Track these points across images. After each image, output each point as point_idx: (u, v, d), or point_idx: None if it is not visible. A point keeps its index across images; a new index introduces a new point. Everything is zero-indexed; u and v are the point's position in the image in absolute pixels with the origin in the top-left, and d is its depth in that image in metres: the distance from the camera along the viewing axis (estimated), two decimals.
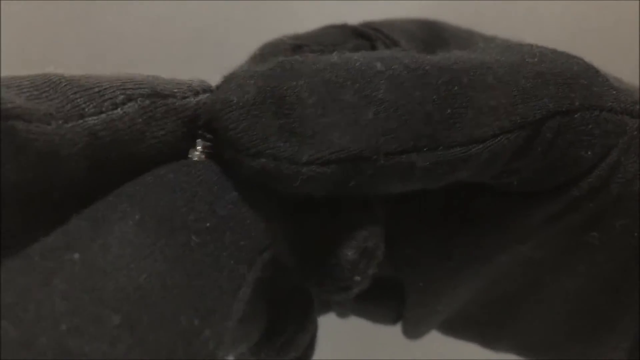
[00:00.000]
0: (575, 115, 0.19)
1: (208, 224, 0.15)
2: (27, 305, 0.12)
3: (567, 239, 0.21)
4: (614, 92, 0.20)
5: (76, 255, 0.13)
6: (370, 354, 0.46)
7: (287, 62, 0.17)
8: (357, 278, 0.18)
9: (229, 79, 0.17)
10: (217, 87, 0.17)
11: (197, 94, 0.17)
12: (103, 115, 0.15)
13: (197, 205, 0.15)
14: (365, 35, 0.22)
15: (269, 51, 0.21)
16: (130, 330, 0.13)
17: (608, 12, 0.39)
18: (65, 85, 0.15)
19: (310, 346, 0.21)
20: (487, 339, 0.25)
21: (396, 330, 0.26)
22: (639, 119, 0.20)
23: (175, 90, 0.16)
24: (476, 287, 0.23)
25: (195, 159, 0.17)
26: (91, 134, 0.15)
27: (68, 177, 0.15)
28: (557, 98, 0.18)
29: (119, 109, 0.15)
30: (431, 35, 0.23)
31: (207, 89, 0.17)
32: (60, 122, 0.15)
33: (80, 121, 0.15)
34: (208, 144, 0.17)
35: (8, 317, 0.12)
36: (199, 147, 0.17)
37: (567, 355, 0.23)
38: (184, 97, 0.16)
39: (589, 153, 0.19)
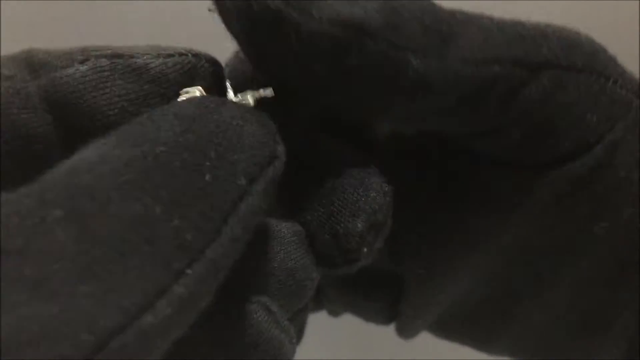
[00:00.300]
0: (580, 75, 0.18)
1: (179, 139, 0.15)
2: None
3: (574, 227, 0.20)
4: (620, 70, 0.20)
5: (35, 186, 0.14)
6: (369, 354, 0.46)
7: None
8: (365, 250, 0.18)
9: None
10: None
11: (169, 56, 0.17)
12: (55, 74, 0.16)
13: (173, 125, 0.15)
14: None
15: None
16: (75, 221, 0.13)
17: (608, 12, 0.39)
18: (32, 54, 0.17)
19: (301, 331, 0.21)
20: (481, 340, 0.24)
21: (392, 331, 0.26)
22: None
23: (140, 52, 0.17)
24: (476, 277, 0.22)
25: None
26: (44, 90, 0.16)
27: (35, 127, 0.16)
28: (557, 52, 0.18)
29: (72, 68, 0.17)
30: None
31: (184, 53, 0.17)
32: (16, 80, 0.16)
33: (35, 81, 0.16)
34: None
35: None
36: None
37: (564, 355, 0.23)
38: (150, 58, 0.17)
39: (594, 118, 0.19)
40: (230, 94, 0.18)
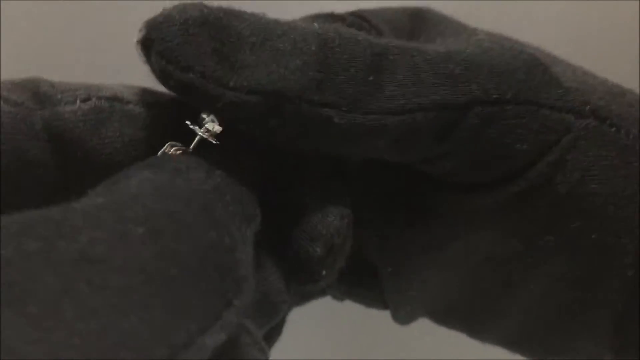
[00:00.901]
0: (507, 107, 0.19)
1: (210, 182, 0.17)
2: (47, 224, 0.13)
3: (525, 241, 0.21)
4: (560, 91, 0.20)
5: (99, 200, 0.15)
6: (367, 354, 0.46)
7: (235, 9, 0.18)
8: (324, 272, 0.19)
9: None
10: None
11: (165, 107, 0.19)
12: (58, 108, 0.18)
13: (198, 170, 0.17)
14: (352, 25, 0.22)
15: None
16: (154, 240, 0.14)
17: (608, 12, 0.39)
18: (38, 84, 0.18)
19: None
20: (474, 330, 0.25)
21: (391, 327, 0.26)
22: (591, 119, 0.20)
23: (138, 99, 0.19)
24: (448, 278, 0.23)
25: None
26: (46, 122, 0.18)
27: (35, 153, 0.17)
28: (485, 87, 0.19)
29: (74, 106, 0.18)
30: (421, 25, 0.23)
31: (180, 102, 0.19)
32: (23, 107, 0.17)
33: (40, 112, 0.18)
34: (180, 147, 0.18)
35: (29, 234, 0.13)
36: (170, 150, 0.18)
37: (551, 349, 0.24)
38: (147, 107, 0.19)
39: (525, 146, 0.19)
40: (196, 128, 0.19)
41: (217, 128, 0.18)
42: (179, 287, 0.13)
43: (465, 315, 0.24)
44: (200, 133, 0.18)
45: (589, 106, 0.20)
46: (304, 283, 0.20)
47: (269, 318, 0.20)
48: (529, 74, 0.20)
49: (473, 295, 0.23)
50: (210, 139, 0.18)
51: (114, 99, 0.18)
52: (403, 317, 0.25)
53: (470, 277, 0.23)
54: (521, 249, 0.21)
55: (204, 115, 0.18)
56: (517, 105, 0.19)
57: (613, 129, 0.20)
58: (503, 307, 0.23)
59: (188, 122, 0.18)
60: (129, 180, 0.15)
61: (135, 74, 0.18)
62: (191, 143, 0.18)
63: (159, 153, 0.18)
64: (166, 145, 0.18)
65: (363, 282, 0.24)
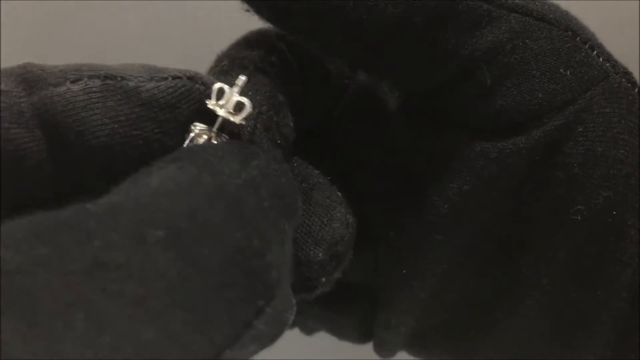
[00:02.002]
0: (552, 28, 0.19)
1: (243, 176, 0.15)
2: (58, 228, 0.12)
3: (551, 209, 0.20)
4: (601, 45, 0.20)
5: (115, 199, 0.13)
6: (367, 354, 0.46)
7: None
8: (323, 279, 0.18)
9: None
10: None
11: (162, 79, 0.17)
12: (46, 92, 0.16)
13: (231, 162, 0.16)
14: None
15: (255, 38, 0.21)
16: (174, 243, 0.13)
17: (608, 12, 0.38)
18: (27, 69, 0.17)
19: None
20: (462, 351, 0.24)
21: None
22: (621, 76, 0.19)
23: (132, 75, 0.17)
24: (452, 281, 0.22)
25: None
26: (36, 107, 0.16)
27: (25, 143, 0.16)
28: (530, 5, 0.19)
29: (63, 87, 0.16)
30: None
31: (178, 76, 0.17)
32: (10, 95, 0.16)
33: (28, 98, 0.16)
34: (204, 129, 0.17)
35: (39, 239, 0.12)
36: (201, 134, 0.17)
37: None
38: (141, 81, 0.17)
39: (568, 73, 0.19)
40: (212, 105, 0.18)
41: (236, 99, 0.17)
42: (202, 295, 0.13)
43: (459, 334, 0.23)
44: (221, 113, 0.17)
45: (622, 66, 0.20)
46: (297, 290, 0.18)
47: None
48: (574, 17, 0.19)
49: (473, 302, 0.23)
50: (231, 118, 0.17)
51: (106, 77, 0.17)
52: (390, 342, 0.24)
53: (475, 279, 0.22)
54: (540, 227, 0.20)
55: (214, 103, 0.17)
56: (562, 29, 0.19)
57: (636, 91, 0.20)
58: (503, 311, 0.22)
59: (208, 102, 0.17)
60: (150, 177, 0.14)
61: None
62: (210, 114, 0.17)
63: (187, 141, 0.17)
64: (191, 127, 0.17)
65: (344, 307, 0.23)
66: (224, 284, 0.13)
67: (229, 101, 0.17)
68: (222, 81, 0.18)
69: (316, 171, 0.20)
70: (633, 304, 0.21)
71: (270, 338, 0.14)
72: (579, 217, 0.20)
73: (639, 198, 0.20)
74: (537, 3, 0.19)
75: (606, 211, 0.20)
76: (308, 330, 0.25)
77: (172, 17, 0.39)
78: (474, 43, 0.19)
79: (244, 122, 0.18)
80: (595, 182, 0.19)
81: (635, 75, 0.21)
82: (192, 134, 0.17)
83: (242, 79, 0.18)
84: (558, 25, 0.19)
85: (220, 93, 0.17)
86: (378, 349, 0.25)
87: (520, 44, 0.19)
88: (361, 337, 0.25)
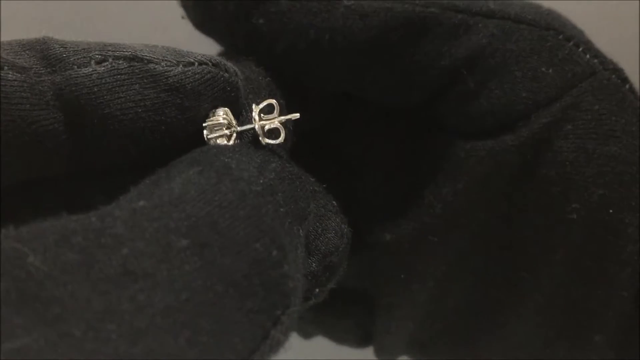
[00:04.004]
0: (532, 28, 0.19)
1: (261, 181, 0.15)
2: (86, 233, 0.12)
3: (548, 209, 0.20)
4: (589, 42, 0.20)
5: (140, 203, 0.13)
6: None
7: None
8: (317, 290, 0.18)
9: None
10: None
11: (189, 64, 0.17)
12: (70, 72, 0.16)
13: (250, 166, 0.16)
14: None
15: None
16: (198, 253, 0.13)
17: (608, 12, 0.38)
18: (48, 45, 0.16)
19: None
20: (464, 354, 0.24)
21: None
22: (612, 74, 0.19)
23: (159, 58, 0.16)
24: (452, 285, 0.22)
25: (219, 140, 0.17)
26: (58, 88, 0.16)
27: (45, 125, 0.15)
28: (506, 9, 0.19)
29: (89, 68, 0.16)
30: None
31: (205, 62, 0.17)
32: (31, 73, 0.15)
33: (50, 77, 0.16)
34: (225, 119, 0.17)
35: (67, 245, 0.12)
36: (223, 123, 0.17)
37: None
38: (169, 65, 0.16)
39: (550, 71, 0.19)
40: (255, 113, 0.18)
41: (276, 125, 0.17)
42: (225, 305, 0.13)
43: (460, 337, 0.23)
44: (256, 126, 0.17)
45: (612, 62, 0.20)
46: None
47: None
48: (558, 15, 0.20)
49: (476, 304, 0.22)
50: (261, 136, 0.17)
51: (133, 58, 0.16)
52: (391, 346, 0.24)
53: (476, 283, 0.22)
54: (540, 226, 0.20)
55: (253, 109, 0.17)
56: (541, 29, 0.19)
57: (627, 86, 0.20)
58: (507, 314, 0.22)
59: (254, 107, 0.17)
60: (172, 181, 0.14)
61: None
62: (231, 102, 0.17)
63: (207, 133, 0.17)
64: (211, 114, 0.17)
65: (341, 311, 0.23)
66: (244, 294, 0.13)
67: (270, 122, 0.17)
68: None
69: (311, 179, 0.20)
70: (634, 303, 0.21)
71: (282, 345, 0.14)
72: (575, 216, 0.20)
73: (638, 195, 0.19)
74: (514, 6, 0.19)
75: (602, 209, 0.20)
76: (306, 334, 0.25)
77: (172, 17, 0.39)
78: (453, 52, 0.19)
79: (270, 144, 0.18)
80: (589, 180, 0.19)
81: (636, 74, 0.21)
82: (212, 128, 0.17)
83: (295, 115, 0.18)
84: (538, 25, 0.19)
85: (269, 108, 0.18)
86: (379, 353, 0.24)
87: (500, 47, 0.19)
88: (359, 341, 0.25)
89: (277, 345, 0.14)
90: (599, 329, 0.21)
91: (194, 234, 0.13)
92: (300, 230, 0.16)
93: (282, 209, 0.15)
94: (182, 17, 0.20)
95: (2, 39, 0.16)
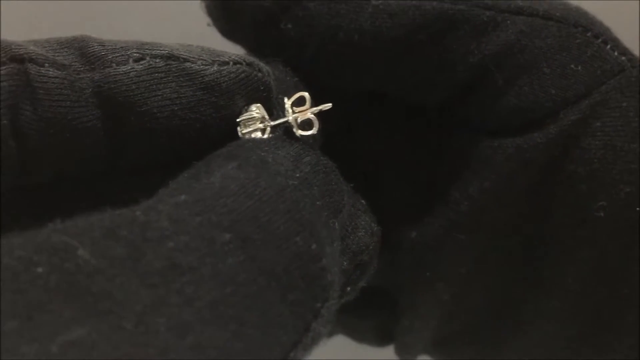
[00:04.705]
0: (561, 25, 0.19)
1: (298, 175, 0.16)
2: (131, 227, 0.12)
3: (574, 206, 0.20)
4: (616, 39, 0.19)
5: (182, 198, 0.13)
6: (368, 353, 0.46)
7: None
8: (348, 289, 0.18)
9: None
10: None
11: (224, 63, 0.17)
12: (109, 70, 0.16)
13: (285, 160, 0.16)
14: None
15: None
16: (241, 247, 0.13)
17: (608, 12, 0.39)
18: (87, 43, 0.16)
19: None
20: (486, 354, 0.24)
21: None
22: (638, 69, 0.19)
23: (195, 57, 0.17)
24: (474, 284, 0.22)
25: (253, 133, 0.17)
26: (97, 85, 0.16)
27: (84, 122, 0.16)
28: (535, 6, 0.19)
29: (127, 66, 0.16)
30: None
31: (239, 61, 0.17)
32: (70, 70, 0.16)
33: (89, 74, 0.16)
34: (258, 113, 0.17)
35: (114, 239, 0.12)
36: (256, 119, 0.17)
37: None
38: (205, 64, 0.17)
39: (579, 68, 0.19)
40: (288, 106, 0.18)
41: (310, 116, 0.18)
42: (268, 298, 0.13)
43: (483, 336, 0.23)
44: (290, 118, 0.17)
45: (639, 60, 0.20)
46: None
47: None
48: (585, 11, 0.20)
49: (498, 303, 0.22)
50: (294, 128, 0.17)
51: (170, 57, 0.16)
52: (412, 345, 0.24)
53: (497, 281, 0.22)
54: (563, 227, 0.20)
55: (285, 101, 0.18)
56: (570, 25, 0.19)
57: None
58: (526, 319, 0.22)
59: (286, 100, 0.17)
60: (212, 175, 0.14)
61: None
62: (263, 101, 0.17)
63: (241, 129, 0.17)
64: (245, 111, 0.17)
65: (356, 309, 0.23)
66: (286, 287, 0.13)
67: (303, 113, 0.18)
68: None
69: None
70: None
71: (322, 338, 0.15)
72: (602, 214, 0.20)
73: None
74: (542, 3, 0.19)
75: (629, 207, 0.19)
76: (327, 333, 0.25)
77: (172, 17, 0.39)
78: (481, 49, 0.19)
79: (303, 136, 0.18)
80: (617, 177, 0.19)
81: None
82: (245, 123, 0.17)
83: (328, 105, 0.18)
84: (566, 22, 0.19)
85: (300, 101, 0.18)
86: (400, 352, 0.24)
87: (529, 43, 0.19)
88: (379, 340, 0.25)
89: (318, 338, 0.14)
90: (624, 329, 0.21)
91: (236, 228, 0.13)
92: (336, 224, 0.16)
93: (318, 202, 0.15)
94: (208, 25, 0.20)
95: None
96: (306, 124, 0.18)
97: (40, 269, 0.11)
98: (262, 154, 0.15)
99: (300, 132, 0.18)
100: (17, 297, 0.11)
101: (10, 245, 0.11)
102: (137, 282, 0.12)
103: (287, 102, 0.18)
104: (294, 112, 0.18)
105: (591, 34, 0.19)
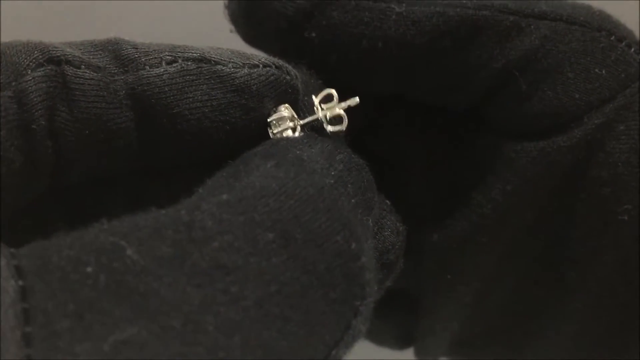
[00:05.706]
0: (584, 29, 0.19)
1: (333, 173, 0.16)
2: (176, 227, 0.12)
3: (599, 209, 0.20)
4: (639, 42, 0.20)
5: (223, 197, 0.14)
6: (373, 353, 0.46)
7: None
8: (375, 288, 0.18)
9: None
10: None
11: (254, 66, 0.17)
12: (142, 72, 0.16)
13: (320, 157, 0.16)
14: None
15: None
16: (284, 246, 0.13)
17: (608, 12, 0.38)
18: (120, 46, 0.17)
19: None
20: (507, 356, 0.24)
21: None
22: None
23: (226, 60, 0.17)
24: (496, 285, 0.22)
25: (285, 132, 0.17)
26: (130, 87, 0.16)
27: (118, 123, 0.16)
28: (558, 10, 0.19)
29: (160, 69, 0.16)
30: None
31: (268, 64, 0.17)
32: (105, 73, 0.16)
33: (123, 76, 0.16)
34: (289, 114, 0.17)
35: (159, 239, 0.12)
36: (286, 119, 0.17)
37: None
38: (236, 67, 0.17)
39: (604, 72, 0.19)
40: (316, 103, 0.18)
41: (339, 112, 0.18)
42: (311, 297, 0.13)
43: (504, 339, 0.23)
44: (320, 115, 0.18)
45: None
46: None
47: None
48: (608, 15, 0.20)
49: (520, 303, 0.22)
50: (325, 124, 0.18)
51: (201, 59, 0.17)
52: (433, 347, 0.24)
53: (521, 284, 0.22)
54: (587, 231, 0.20)
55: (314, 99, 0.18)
56: (594, 30, 0.19)
57: None
58: (548, 322, 0.22)
59: (314, 98, 0.18)
60: (251, 174, 0.15)
61: None
62: (291, 104, 0.18)
63: (272, 129, 0.17)
64: (273, 112, 0.17)
65: (378, 311, 0.23)
66: (328, 286, 0.13)
67: (331, 109, 0.18)
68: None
69: None
70: None
71: (362, 336, 0.15)
72: (626, 217, 0.20)
73: None
74: (566, 7, 0.19)
75: None
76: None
77: (172, 17, 0.39)
78: (505, 54, 0.19)
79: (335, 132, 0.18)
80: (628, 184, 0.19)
81: None
82: (276, 123, 0.17)
83: (355, 100, 0.18)
84: (590, 26, 0.19)
85: (328, 98, 0.18)
86: (420, 354, 0.24)
87: (553, 48, 0.19)
88: (400, 343, 0.25)
89: (358, 335, 0.14)
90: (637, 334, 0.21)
91: (279, 227, 0.13)
92: (370, 221, 0.16)
93: (353, 200, 0.16)
94: (231, 31, 0.21)
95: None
96: (335, 120, 0.18)
97: (89, 269, 0.11)
98: (297, 152, 0.16)
99: (330, 128, 0.18)
100: (67, 296, 0.11)
101: (58, 245, 0.12)
102: (184, 281, 0.12)
103: (316, 100, 0.18)
104: (322, 109, 0.18)
105: (615, 38, 0.19)
